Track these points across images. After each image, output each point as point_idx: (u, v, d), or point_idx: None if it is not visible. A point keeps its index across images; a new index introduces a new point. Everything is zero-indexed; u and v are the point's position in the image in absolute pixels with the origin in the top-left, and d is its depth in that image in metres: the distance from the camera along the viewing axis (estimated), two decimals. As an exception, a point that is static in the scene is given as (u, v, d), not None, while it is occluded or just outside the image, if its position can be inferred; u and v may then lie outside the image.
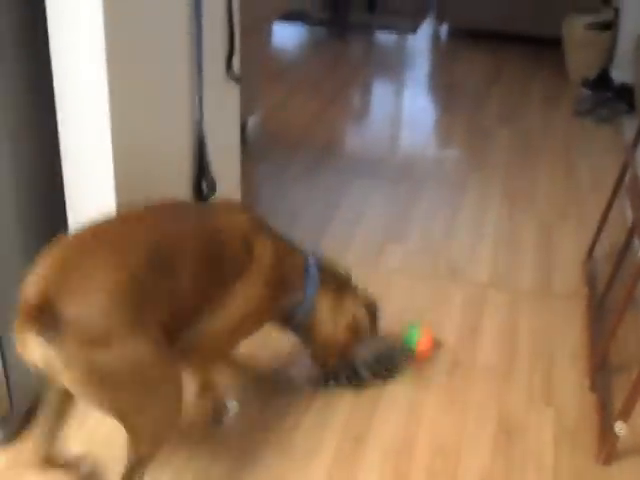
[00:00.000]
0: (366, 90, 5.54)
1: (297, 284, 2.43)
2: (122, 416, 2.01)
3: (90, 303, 1.85)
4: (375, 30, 6.59)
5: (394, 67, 5.95)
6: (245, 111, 4.50)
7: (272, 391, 2.71)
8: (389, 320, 2.96)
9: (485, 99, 5.24)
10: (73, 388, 1.91)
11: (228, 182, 3.22)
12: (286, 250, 2.40)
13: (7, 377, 2.43)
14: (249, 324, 2.33)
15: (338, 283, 2.55)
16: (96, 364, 1.87)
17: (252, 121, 4.76)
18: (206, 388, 2.50)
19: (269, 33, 6.53)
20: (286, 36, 6.61)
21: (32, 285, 1.87)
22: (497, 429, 2.55)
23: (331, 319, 2.50)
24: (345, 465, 2.42)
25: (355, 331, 2.55)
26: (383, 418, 2.60)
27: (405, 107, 5.24)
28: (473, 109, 5.09)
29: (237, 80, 3.13)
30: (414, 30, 6.52)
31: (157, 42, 2.55)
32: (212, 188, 2.93)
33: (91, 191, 2.36)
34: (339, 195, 3.97)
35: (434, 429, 2.56)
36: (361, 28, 6.58)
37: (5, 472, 2.40)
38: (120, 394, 1.96)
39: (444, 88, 5.58)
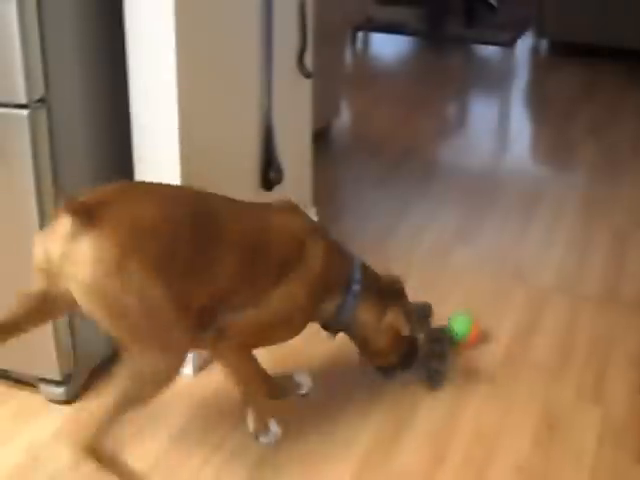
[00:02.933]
0: (456, 101, 5.56)
1: (341, 287, 2.42)
2: (120, 342, 2.02)
3: (126, 227, 1.91)
4: (472, 43, 6.61)
5: (488, 80, 5.96)
6: (329, 114, 4.59)
7: (321, 373, 2.77)
8: (445, 319, 3.01)
9: (576, 112, 5.22)
10: (77, 294, 1.94)
11: (298, 176, 3.30)
12: (336, 254, 2.41)
13: (72, 335, 2.56)
14: (288, 321, 2.34)
15: (381, 289, 2.51)
16: (101, 283, 1.89)
17: (337, 123, 4.83)
18: (246, 397, 2.47)
19: (364, 40, 6.62)
20: (383, 45, 6.68)
21: (83, 195, 1.96)
22: (540, 422, 2.57)
23: (370, 323, 2.48)
24: (383, 447, 2.47)
25: (394, 337, 2.52)
26: (428, 405, 2.64)
27: (492, 118, 5.24)
28: (562, 122, 5.07)
29: (308, 75, 3.20)
30: (512, 44, 6.52)
31: (227, 34, 2.65)
32: (279, 177, 3.02)
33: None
34: (414, 198, 4.02)
35: (477, 417, 2.59)
36: (458, 41, 6.61)
37: (65, 428, 2.52)
38: (119, 324, 1.96)
39: (535, 101, 5.57)
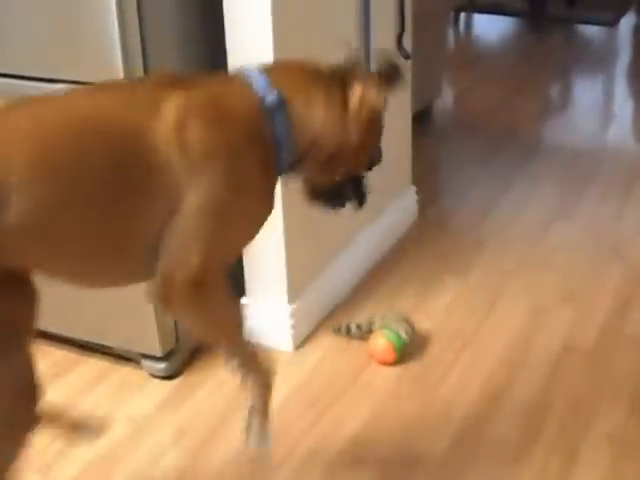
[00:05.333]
0: (558, 82, 5.51)
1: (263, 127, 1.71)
2: None
3: None
4: (574, 23, 6.52)
5: (590, 60, 5.88)
6: (430, 94, 4.61)
7: (420, 344, 2.81)
8: (542, 294, 3.01)
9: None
10: None
11: (397, 157, 3.32)
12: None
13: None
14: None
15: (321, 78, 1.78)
16: None
17: (438, 103, 4.82)
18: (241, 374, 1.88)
19: (466, 21, 6.61)
20: (484, 27, 6.66)
21: None
22: (635, 393, 2.55)
23: (324, 119, 1.76)
24: (480, 418, 2.49)
25: (369, 116, 1.79)
26: (524, 377, 2.66)
27: (594, 98, 5.17)
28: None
29: (407, 57, 3.22)
30: (614, 23, 6.42)
31: (325, 18, 2.69)
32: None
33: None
34: (512, 176, 4.01)
35: (573, 389, 2.59)
36: (559, 21, 6.53)
37: (167, 403, 2.60)
38: None
39: (638, 80, 5.48)
